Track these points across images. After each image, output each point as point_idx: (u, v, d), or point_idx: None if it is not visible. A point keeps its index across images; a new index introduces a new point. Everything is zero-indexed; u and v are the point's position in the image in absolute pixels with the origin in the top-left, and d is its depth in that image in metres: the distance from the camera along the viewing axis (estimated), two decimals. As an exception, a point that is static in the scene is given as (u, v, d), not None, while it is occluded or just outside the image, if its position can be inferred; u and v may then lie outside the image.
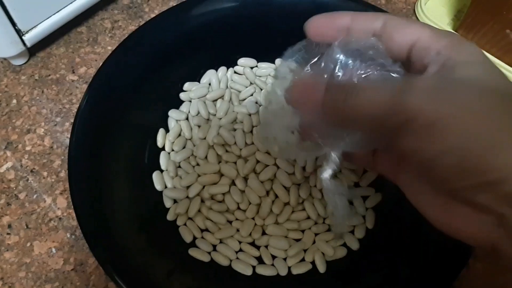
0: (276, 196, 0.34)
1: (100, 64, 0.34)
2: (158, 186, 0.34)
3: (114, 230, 0.30)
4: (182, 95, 0.37)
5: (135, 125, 0.35)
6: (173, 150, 0.36)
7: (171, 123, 0.37)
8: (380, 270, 0.32)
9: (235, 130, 0.36)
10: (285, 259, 0.33)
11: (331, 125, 0.23)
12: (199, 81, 0.38)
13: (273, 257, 0.33)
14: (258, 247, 0.33)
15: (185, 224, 0.33)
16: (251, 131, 0.36)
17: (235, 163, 0.35)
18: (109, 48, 0.42)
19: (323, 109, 0.22)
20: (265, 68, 0.39)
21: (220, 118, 0.36)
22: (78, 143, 0.31)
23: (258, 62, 0.39)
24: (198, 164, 0.35)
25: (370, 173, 0.36)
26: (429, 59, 0.22)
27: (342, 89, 0.21)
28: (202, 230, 0.33)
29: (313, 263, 0.33)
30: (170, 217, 0.33)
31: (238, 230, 0.33)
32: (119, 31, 0.43)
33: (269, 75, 0.39)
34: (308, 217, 0.34)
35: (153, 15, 0.44)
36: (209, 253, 0.32)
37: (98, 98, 0.33)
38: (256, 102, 0.37)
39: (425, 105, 0.19)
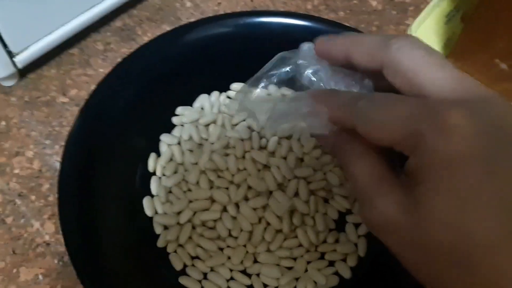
0: (268, 223, 0.34)
1: (92, 87, 0.33)
2: (148, 212, 0.34)
3: (103, 257, 0.30)
4: (174, 120, 0.37)
5: (126, 149, 0.35)
6: (164, 175, 0.35)
7: (163, 147, 0.36)
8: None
9: (227, 155, 0.36)
10: (277, 287, 0.32)
11: None
12: (191, 106, 0.38)
13: (265, 285, 0.32)
14: (249, 275, 0.33)
15: (175, 251, 0.33)
16: (243, 156, 0.36)
17: (227, 188, 0.34)
18: (101, 70, 0.42)
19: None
20: (258, 93, 0.39)
21: (213, 143, 0.36)
22: (68, 168, 0.31)
23: (251, 87, 0.39)
24: (189, 190, 0.35)
25: (362, 200, 0.36)
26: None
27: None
28: (192, 258, 0.33)
29: (305, 291, 0.32)
30: (160, 244, 0.33)
31: (229, 258, 0.33)
32: (111, 53, 0.43)
33: (262, 100, 0.39)
34: (301, 245, 0.34)
35: (146, 38, 0.44)
36: (200, 281, 0.32)
37: (89, 122, 0.32)
38: (249, 127, 0.37)
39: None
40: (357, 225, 0.35)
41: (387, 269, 0.33)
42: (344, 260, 0.33)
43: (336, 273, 0.33)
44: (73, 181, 0.31)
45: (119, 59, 0.35)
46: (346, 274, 0.33)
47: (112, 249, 0.31)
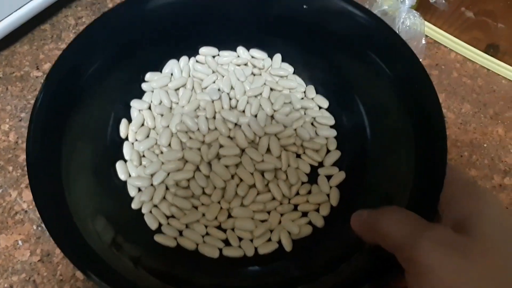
0: (241, 179, 0.34)
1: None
2: (122, 176, 0.34)
3: (78, 223, 0.30)
4: (144, 86, 0.37)
5: (96, 115, 0.35)
6: (136, 140, 0.36)
7: (134, 113, 0.37)
8: (345, 246, 0.32)
9: (198, 117, 0.36)
10: (251, 240, 0.33)
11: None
12: (161, 71, 0.38)
13: (240, 239, 0.33)
14: (224, 230, 0.33)
15: (150, 212, 0.33)
16: (214, 117, 0.36)
17: (199, 149, 0.35)
18: (73, 44, 0.42)
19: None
20: (227, 56, 0.39)
21: (183, 106, 0.37)
22: (36, 137, 0.30)
23: (219, 50, 0.40)
24: (162, 152, 0.35)
25: (334, 152, 0.36)
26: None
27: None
28: (167, 217, 0.34)
29: (279, 242, 0.33)
30: (135, 205, 0.34)
31: (204, 215, 0.33)
32: (83, 27, 0.43)
33: (231, 62, 0.39)
34: (274, 198, 0.34)
35: (116, 10, 0.44)
36: (175, 238, 0.33)
37: (56, 91, 0.32)
38: (219, 89, 0.38)
39: (425, 257, 0.21)
40: (329, 177, 0.35)
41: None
42: (317, 210, 0.34)
43: (310, 223, 0.34)
44: (42, 150, 0.30)
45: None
46: (319, 223, 0.34)
47: (86, 214, 0.31)
